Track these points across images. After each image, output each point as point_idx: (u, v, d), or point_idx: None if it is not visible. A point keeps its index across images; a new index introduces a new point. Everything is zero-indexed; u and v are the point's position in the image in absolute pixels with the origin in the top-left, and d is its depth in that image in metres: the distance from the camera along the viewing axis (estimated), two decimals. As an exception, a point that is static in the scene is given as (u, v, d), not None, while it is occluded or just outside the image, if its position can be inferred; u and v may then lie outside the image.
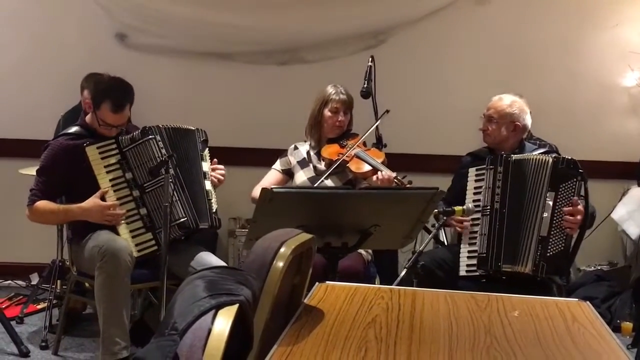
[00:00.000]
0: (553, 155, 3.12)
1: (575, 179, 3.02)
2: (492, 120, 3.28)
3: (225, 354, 1.26)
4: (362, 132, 3.51)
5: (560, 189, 3.03)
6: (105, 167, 3.03)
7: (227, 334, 1.28)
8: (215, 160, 3.28)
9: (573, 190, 3.01)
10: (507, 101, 3.29)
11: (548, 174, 3.06)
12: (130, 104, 3.10)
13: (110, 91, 3.04)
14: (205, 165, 3.21)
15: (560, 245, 3.00)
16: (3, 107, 4.44)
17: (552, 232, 3.02)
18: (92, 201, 3.00)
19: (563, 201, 3.02)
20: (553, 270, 3.02)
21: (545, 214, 3.03)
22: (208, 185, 3.18)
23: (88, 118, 3.18)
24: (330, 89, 3.48)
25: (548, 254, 3.00)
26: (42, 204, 3.04)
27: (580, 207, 2.98)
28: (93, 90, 3.15)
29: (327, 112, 3.47)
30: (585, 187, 3.03)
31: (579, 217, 2.98)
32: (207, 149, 3.26)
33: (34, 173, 3.21)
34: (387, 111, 3.52)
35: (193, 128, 3.22)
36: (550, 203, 3.02)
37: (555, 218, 3.02)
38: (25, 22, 4.42)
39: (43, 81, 4.42)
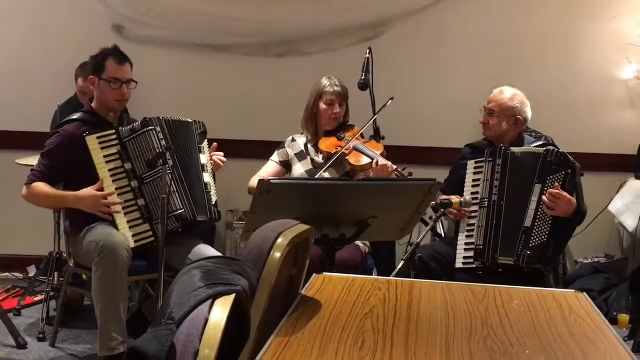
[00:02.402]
0: (544, 148, 3.13)
1: (562, 172, 3.03)
2: (493, 113, 3.27)
3: (222, 344, 1.26)
4: (359, 124, 3.50)
5: (547, 181, 3.05)
6: (104, 156, 3.02)
7: (223, 323, 1.28)
8: (215, 144, 3.27)
9: (559, 182, 3.03)
10: (508, 94, 3.28)
11: (538, 166, 3.07)
12: (130, 65, 3.15)
13: (109, 51, 3.14)
14: (204, 157, 3.20)
15: (543, 236, 3.03)
16: (-1, 98, 4.44)
17: (536, 223, 3.05)
18: (88, 190, 2.99)
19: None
20: (535, 260, 3.03)
21: (532, 206, 3.05)
22: (207, 177, 3.17)
23: (94, 103, 3.18)
24: (325, 81, 3.47)
25: (530, 245, 3.03)
26: (40, 185, 3.04)
27: (565, 192, 2.99)
28: (91, 64, 3.17)
29: (322, 105, 3.46)
30: (574, 181, 3.04)
31: (559, 199, 2.99)
32: (206, 140, 3.25)
33: (31, 165, 3.21)
34: (392, 98, 3.47)
35: (190, 120, 3.21)
36: (537, 194, 3.05)
37: (539, 209, 3.04)
38: (21, 13, 4.41)
39: (39, 73, 4.41)
